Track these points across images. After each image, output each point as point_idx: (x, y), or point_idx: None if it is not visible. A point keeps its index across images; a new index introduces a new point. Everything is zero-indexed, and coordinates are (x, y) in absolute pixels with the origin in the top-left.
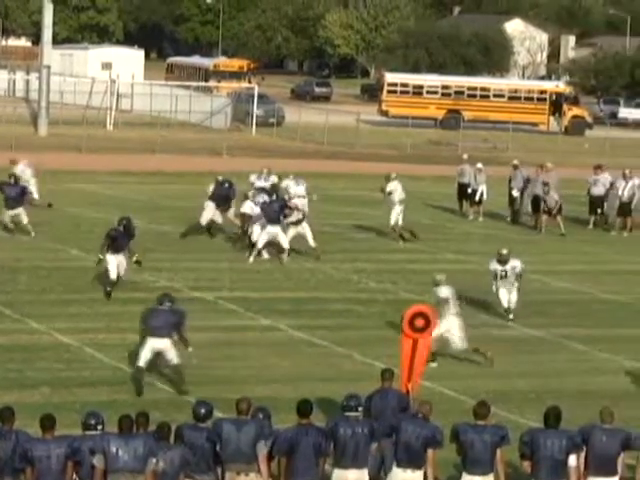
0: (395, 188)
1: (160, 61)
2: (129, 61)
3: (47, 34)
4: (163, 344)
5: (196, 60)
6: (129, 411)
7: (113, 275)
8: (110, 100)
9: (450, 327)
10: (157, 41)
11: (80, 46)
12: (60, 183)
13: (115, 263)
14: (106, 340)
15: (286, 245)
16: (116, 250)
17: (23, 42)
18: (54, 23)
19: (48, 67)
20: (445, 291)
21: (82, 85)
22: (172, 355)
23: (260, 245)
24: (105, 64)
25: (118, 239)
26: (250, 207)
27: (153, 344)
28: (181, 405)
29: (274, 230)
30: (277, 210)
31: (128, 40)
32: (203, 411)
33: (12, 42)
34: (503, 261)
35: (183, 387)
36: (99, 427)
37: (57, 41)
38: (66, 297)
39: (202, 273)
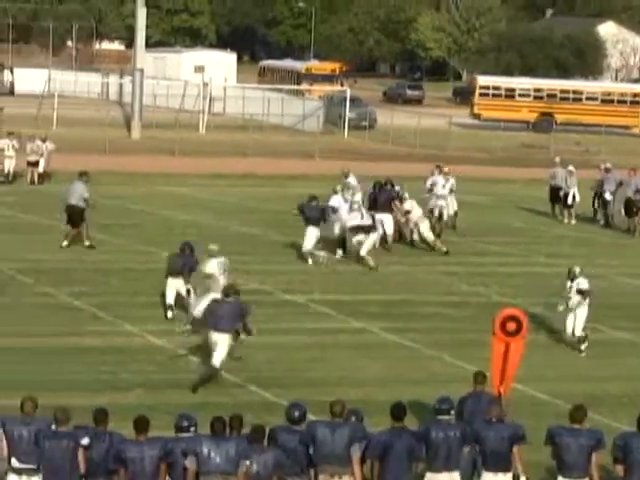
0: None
1: (253, 64)
2: (222, 64)
3: (140, 37)
4: (222, 339)
5: (288, 63)
6: (222, 413)
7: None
8: (203, 103)
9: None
10: (250, 44)
11: (173, 49)
12: (152, 186)
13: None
14: (199, 343)
15: (388, 230)
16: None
17: (116, 46)
18: (147, 26)
19: (141, 70)
20: (211, 267)
21: (175, 88)
22: (221, 353)
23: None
24: (198, 67)
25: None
26: (338, 201)
27: (213, 337)
28: (273, 408)
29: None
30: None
31: (221, 43)
32: (297, 414)
33: (105, 46)
34: (571, 278)
35: (198, 386)
36: (192, 429)
37: (150, 44)
38: (158, 300)
39: (293, 276)
